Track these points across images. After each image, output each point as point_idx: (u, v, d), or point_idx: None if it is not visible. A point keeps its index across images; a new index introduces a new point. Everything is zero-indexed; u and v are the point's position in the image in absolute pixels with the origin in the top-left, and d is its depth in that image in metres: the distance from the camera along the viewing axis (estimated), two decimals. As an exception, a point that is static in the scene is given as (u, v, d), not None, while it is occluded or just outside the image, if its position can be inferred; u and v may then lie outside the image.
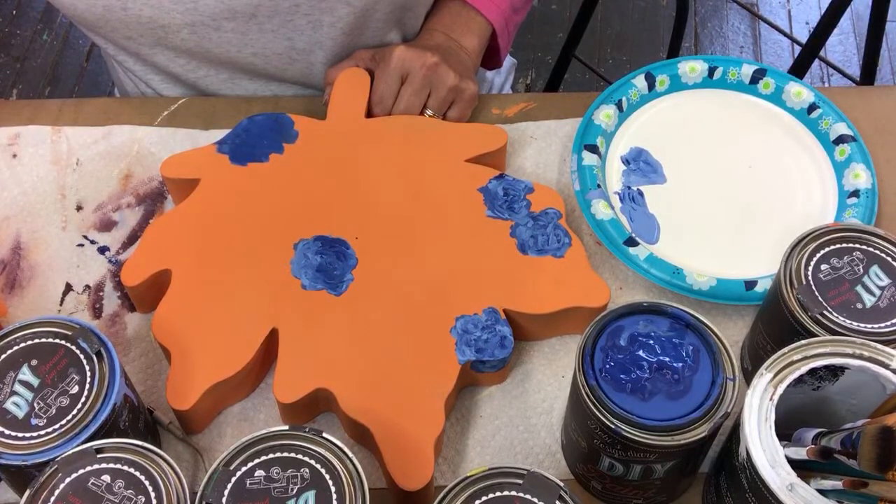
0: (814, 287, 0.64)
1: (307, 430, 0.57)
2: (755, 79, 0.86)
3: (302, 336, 0.71)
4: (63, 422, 0.59)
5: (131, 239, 0.82)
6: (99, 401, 0.60)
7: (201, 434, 0.71)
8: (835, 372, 0.60)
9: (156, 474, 0.56)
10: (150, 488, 0.55)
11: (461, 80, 0.84)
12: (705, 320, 0.62)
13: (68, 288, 0.79)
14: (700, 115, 0.86)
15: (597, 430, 0.60)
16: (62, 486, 0.55)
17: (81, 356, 0.62)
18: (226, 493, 0.55)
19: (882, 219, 0.81)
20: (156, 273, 0.74)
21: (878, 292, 0.64)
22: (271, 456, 0.56)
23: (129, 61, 0.90)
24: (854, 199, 0.79)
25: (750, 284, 0.74)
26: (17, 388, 0.60)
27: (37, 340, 0.62)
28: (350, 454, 0.56)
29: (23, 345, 0.62)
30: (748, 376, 0.72)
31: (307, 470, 0.55)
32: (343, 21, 0.85)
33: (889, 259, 0.65)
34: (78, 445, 0.57)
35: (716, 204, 0.81)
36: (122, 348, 0.75)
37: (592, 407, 0.59)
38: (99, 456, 0.56)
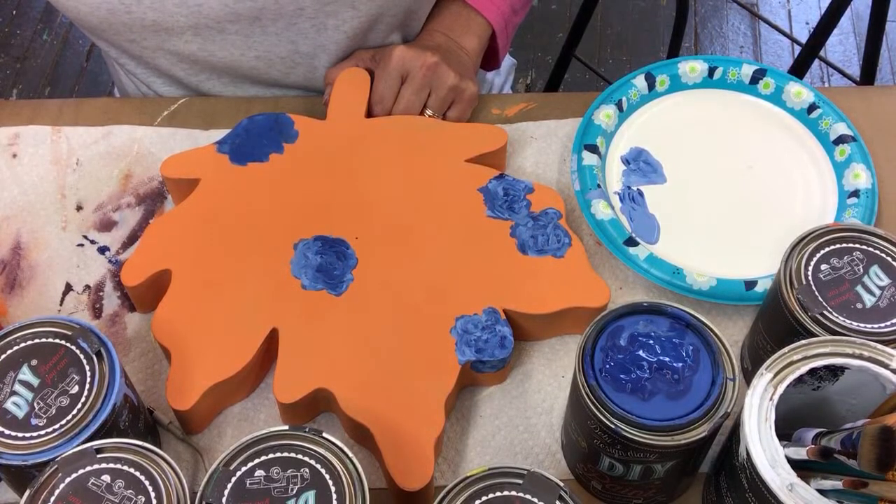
0: (814, 287, 0.64)
1: (307, 430, 0.57)
2: (755, 79, 0.86)
3: (302, 336, 0.71)
4: (63, 422, 0.59)
5: (131, 239, 0.82)
6: (99, 401, 0.60)
7: (201, 434, 0.71)
8: (835, 372, 0.60)
9: (156, 474, 0.56)
10: (150, 488, 0.55)
11: (461, 80, 0.84)
12: (705, 320, 0.62)
13: (68, 288, 0.79)
14: (700, 115, 0.86)
15: (597, 430, 0.60)
16: (62, 486, 0.55)
17: (81, 356, 0.62)
18: (226, 493, 0.55)
19: (882, 219, 0.81)
20: (156, 273, 0.74)
21: (878, 292, 0.64)
22: (271, 456, 0.56)
23: (130, 64, 0.90)
24: (854, 199, 0.79)
25: (750, 284, 0.74)
26: (17, 388, 0.61)
27: (37, 340, 0.62)
28: (350, 454, 0.56)
29: (23, 345, 0.62)
30: (748, 376, 0.72)
31: (307, 470, 0.55)
32: (347, 24, 0.85)
33: (889, 259, 0.65)
34: (78, 445, 0.57)
35: (716, 204, 0.81)
36: (122, 348, 0.75)
37: (592, 407, 0.59)
38: (99, 456, 0.56)
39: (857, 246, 0.65)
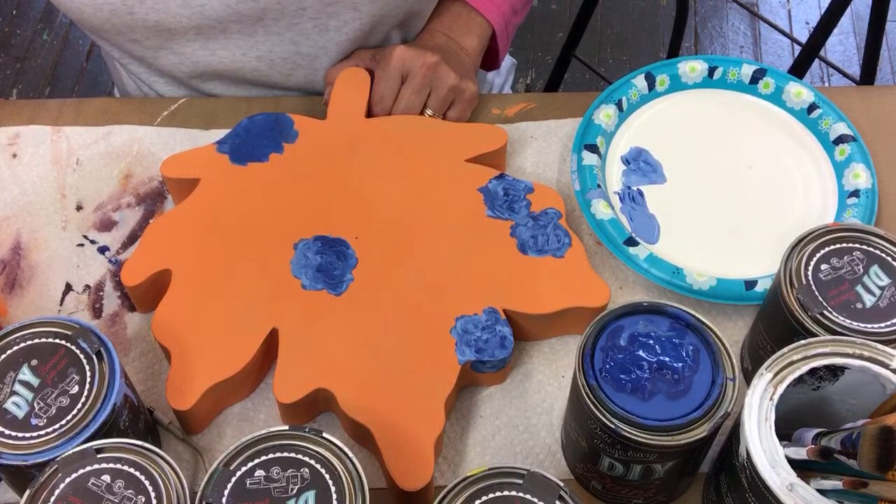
0: (814, 287, 0.64)
1: (307, 430, 0.57)
2: (755, 79, 0.86)
3: (302, 336, 0.71)
4: (63, 422, 0.59)
5: (131, 239, 0.82)
6: (99, 401, 0.60)
7: (201, 434, 0.71)
8: (835, 372, 0.60)
9: (156, 474, 0.56)
10: (150, 488, 0.55)
11: (461, 80, 0.84)
12: (705, 320, 0.62)
13: (68, 288, 0.79)
14: (700, 115, 0.86)
15: (597, 430, 0.60)
16: (62, 486, 0.55)
17: (81, 356, 0.62)
18: (226, 493, 0.55)
19: (882, 219, 0.81)
20: (156, 273, 0.74)
21: (878, 292, 0.64)
22: (271, 456, 0.56)
23: (133, 64, 0.90)
24: (854, 199, 0.79)
25: (750, 284, 0.74)
26: (17, 388, 0.61)
27: (37, 340, 0.62)
28: (350, 454, 0.56)
29: (23, 345, 0.62)
30: (748, 376, 0.72)
31: (307, 470, 0.55)
32: (349, 26, 0.85)
33: (889, 259, 0.65)
34: (78, 445, 0.57)
35: (716, 204, 0.81)
36: (122, 348, 0.75)
37: (592, 407, 0.59)
38: (99, 456, 0.56)
39: (857, 246, 0.65)
